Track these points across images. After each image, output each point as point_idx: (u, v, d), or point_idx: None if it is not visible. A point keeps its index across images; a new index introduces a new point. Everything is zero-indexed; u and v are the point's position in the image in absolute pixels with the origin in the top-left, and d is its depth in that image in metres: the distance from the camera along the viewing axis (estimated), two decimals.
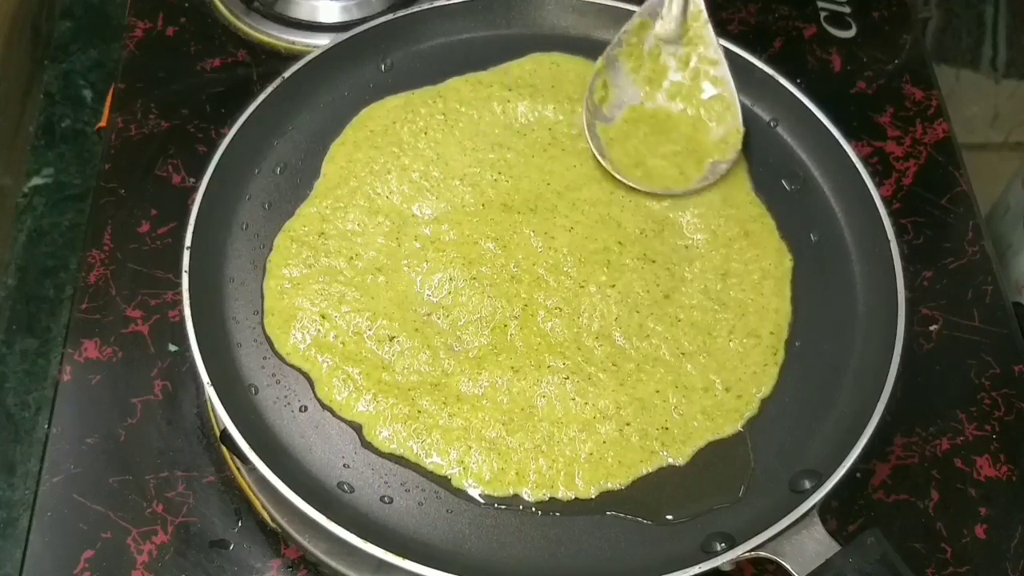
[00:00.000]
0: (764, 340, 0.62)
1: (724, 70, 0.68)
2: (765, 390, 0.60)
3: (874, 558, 0.51)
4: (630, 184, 0.66)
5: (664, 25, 0.68)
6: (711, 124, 0.68)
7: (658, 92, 0.69)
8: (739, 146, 0.67)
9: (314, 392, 0.59)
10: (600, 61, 0.69)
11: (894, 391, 0.57)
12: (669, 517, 0.56)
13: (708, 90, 0.68)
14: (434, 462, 0.57)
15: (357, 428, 0.58)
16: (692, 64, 0.68)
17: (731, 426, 0.59)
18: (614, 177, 0.68)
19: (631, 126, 0.68)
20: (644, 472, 0.57)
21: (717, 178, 0.66)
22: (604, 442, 0.58)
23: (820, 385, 0.61)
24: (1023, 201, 0.82)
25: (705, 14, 0.68)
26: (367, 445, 0.58)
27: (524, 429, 0.58)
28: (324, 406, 0.59)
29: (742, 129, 0.67)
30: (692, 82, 0.68)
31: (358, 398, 0.59)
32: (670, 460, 0.58)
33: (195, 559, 0.61)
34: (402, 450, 0.57)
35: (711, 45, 0.68)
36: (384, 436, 0.58)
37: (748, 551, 0.52)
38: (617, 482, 0.57)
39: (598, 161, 0.68)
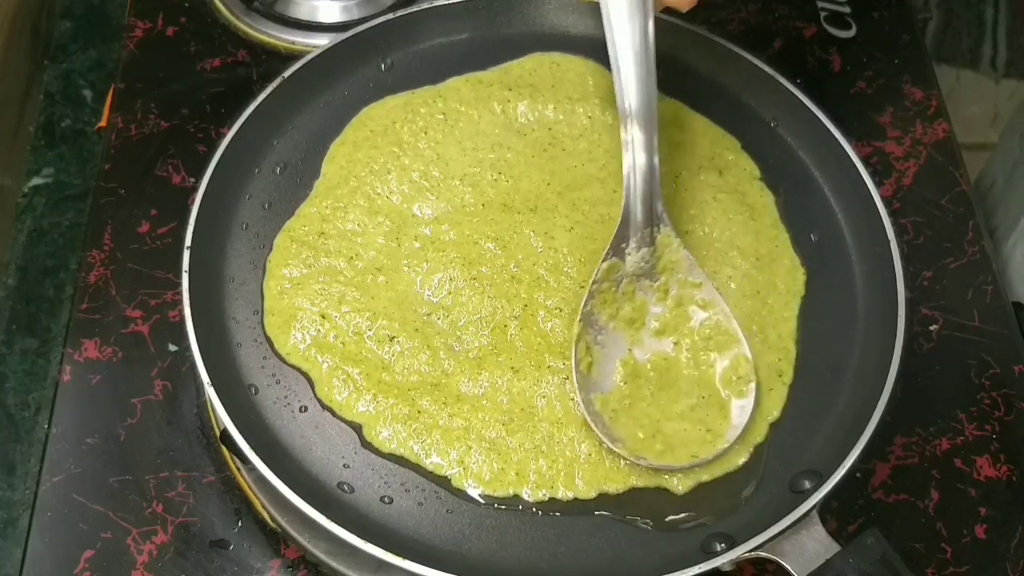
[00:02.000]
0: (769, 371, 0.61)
1: (711, 291, 0.61)
2: (775, 413, 0.60)
3: (874, 558, 0.51)
4: (654, 465, 0.56)
5: (633, 260, 0.61)
6: (712, 355, 0.60)
7: (643, 333, 0.60)
8: (752, 377, 0.58)
9: (314, 392, 0.59)
10: (576, 326, 0.59)
11: (894, 391, 0.57)
12: (669, 521, 0.56)
13: (697, 315, 0.60)
14: (434, 462, 0.57)
15: (357, 428, 0.58)
16: (672, 292, 0.61)
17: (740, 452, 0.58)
18: (615, 177, 0.68)
19: (632, 387, 0.59)
20: (640, 485, 0.57)
21: (743, 425, 0.57)
22: (602, 443, 0.58)
23: (820, 385, 0.61)
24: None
25: (675, 237, 0.61)
26: (367, 445, 0.58)
27: (524, 429, 0.58)
28: (324, 406, 0.59)
29: (750, 356, 0.59)
30: (677, 310, 0.61)
31: (358, 398, 0.59)
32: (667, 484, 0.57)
33: (195, 559, 0.61)
34: (402, 450, 0.57)
35: (691, 268, 0.61)
36: (384, 436, 0.58)
37: (748, 551, 0.52)
38: (615, 486, 0.57)
39: (598, 162, 0.68)
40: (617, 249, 0.61)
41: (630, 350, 0.60)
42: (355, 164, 0.67)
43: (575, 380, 0.58)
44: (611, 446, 0.57)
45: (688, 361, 0.59)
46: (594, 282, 0.60)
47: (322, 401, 0.59)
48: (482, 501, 0.56)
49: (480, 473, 0.57)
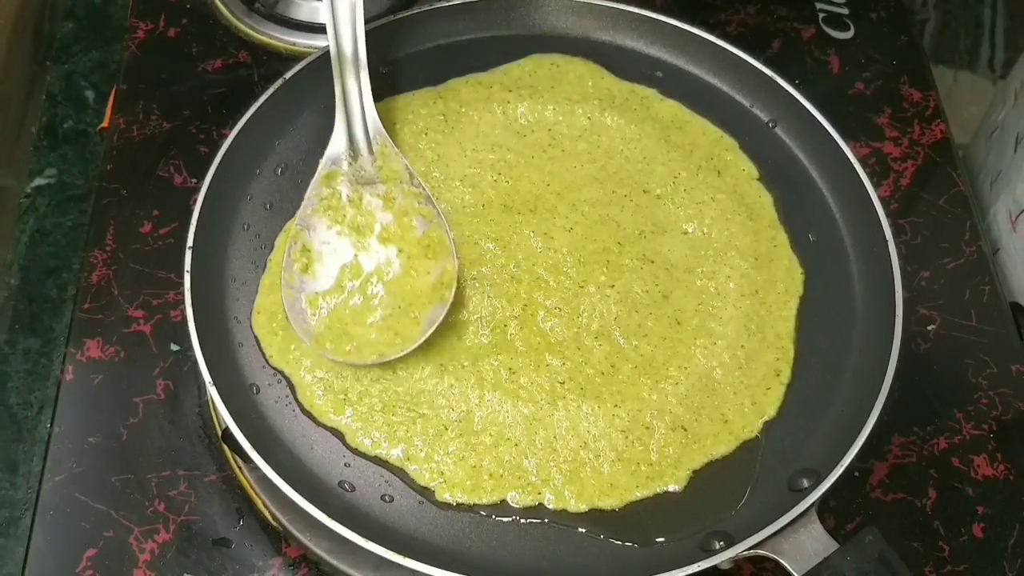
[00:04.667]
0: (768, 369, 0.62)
1: (430, 202, 0.62)
2: (771, 411, 0.60)
3: (872, 556, 0.51)
4: (340, 361, 0.58)
5: (355, 169, 0.63)
6: (429, 262, 0.61)
7: (370, 239, 0.61)
8: (454, 284, 0.60)
9: (295, 397, 0.59)
10: (293, 225, 0.62)
11: (892, 390, 0.57)
12: (660, 540, 0.56)
13: (420, 226, 0.62)
14: (414, 469, 0.57)
15: (339, 435, 0.58)
16: (398, 201, 0.62)
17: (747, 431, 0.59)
18: (614, 178, 0.68)
19: (337, 292, 0.60)
20: (639, 496, 0.57)
21: (434, 327, 0.59)
22: (598, 456, 0.58)
23: (818, 384, 0.61)
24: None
25: (393, 148, 0.64)
26: (353, 450, 0.58)
27: (524, 433, 0.58)
28: (304, 411, 0.59)
29: (456, 262, 0.61)
30: (401, 220, 0.62)
31: (340, 405, 0.59)
32: (668, 488, 0.58)
33: (197, 557, 0.62)
34: (386, 456, 0.57)
35: (411, 177, 0.63)
36: (367, 443, 0.58)
37: (747, 549, 0.52)
38: (609, 503, 0.57)
39: (597, 163, 0.69)
40: (335, 160, 0.64)
41: (356, 256, 0.61)
42: None
43: (283, 281, 0.60)
44: (304, 341, 0.58)
45: (397, 284, 0.61)
46: (312, 189, 0.63)
47: (302, 406, 0.59)
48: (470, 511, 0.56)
49: (462, 482, 0.57)
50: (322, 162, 0.64)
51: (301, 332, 0.59)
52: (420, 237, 0.62)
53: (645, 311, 0.63)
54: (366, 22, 0.67)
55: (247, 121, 0.66)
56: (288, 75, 0.68)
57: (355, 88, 0.65)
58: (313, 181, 0.63)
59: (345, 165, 0.64)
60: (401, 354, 0.58)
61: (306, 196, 0.63)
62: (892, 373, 0.58)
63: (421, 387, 0.59)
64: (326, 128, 0.68)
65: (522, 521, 0.56)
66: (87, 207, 0.83)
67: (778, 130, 0.71)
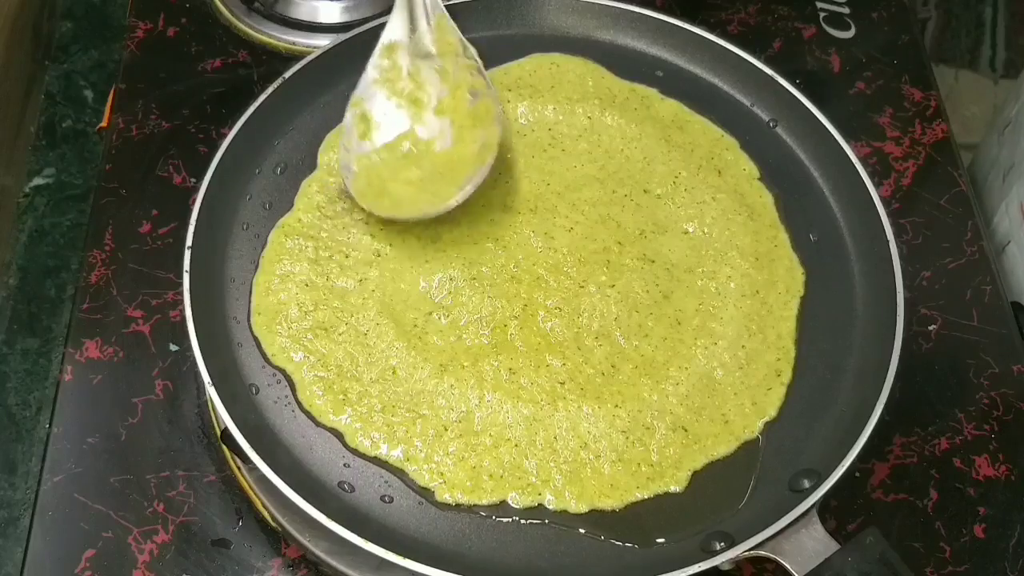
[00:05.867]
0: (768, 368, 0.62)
1: (482, 73, 0.65)
2: (772, 412, 0.60)
3: (873, 557, 0.51)
4: (381, 214, 0.62)
5: (414, 43, 0.65)
6: (477, 131, 0.64)
7: (425, 113, 0.64)
8: (496, 148, 0.63)
9: (294, 397, 0.59)
10: (355, 95, 0.65)
11: (893, 391, 0.57)
12: (660, 541, 0.56)
13: (471, 98, 0.65)
14: (414, 470, 0.57)
15: (338, 435, 0.58)
16: (452, 74, 0.65)
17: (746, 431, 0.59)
18: (614, 178, 0.68)
19: (387, 152, 0.64)
20: (640, 497, 0.57)
21: (474, 187, 0.62)
22: (599, 456, 0.58)
23: (819, 385, 0.61)
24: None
25: (449, 20, 0.66)
26: (352, 450, 0.57)
27: (524, 433, 0.58)
28: (304, 410, 0.58)
29: (499, 129, 0.64)
30: (456, 93, 0.65)
31: (339, 405, 0.58)
32: (669, 488, 0.57)
33: (196, 558, 0.62)
34: (386, 457, 0.57)
35: (465, 47, 0.65)
36: (367, 444, 0.57)
37: (748, 550, 0.52)
38: (609, 503, 0.57)
39: (597, 163, 0.69)
40: (397, 32, 0.65)
41: (412, 127, 0.64)
42: None
43: (341, 143, 0.64)
44: (348, 189, 0.63)
45: (457, 139, 0.63)
46: (373, 57, 0.65)
47: (302, 406, 0.59)
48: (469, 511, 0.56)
49: (462, 483, 0.56)
50: (383, 34, 0.65)
51: (351, 190, 0.62)
52: (471, 108, 0.64)
53: (646, 311, 0.62)
54: (366, 21, 0.67)
55: (247, 121, 0.65)
56: (288, 75, 0.68)
57: None
58: (375, 51, 0.65)
59: (405, 38, 0.65)
60: (443, 210, 0.61)
61: (368, 65, 0.65)
62: (893, 373, 0.58)
63: (421, 387, 0.59)
64: (326, 128, 0.69)
65: (522, 522, 0.56)
66: (86, 207, 0.83)
67: (779, 130, 0.71)
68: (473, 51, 0.65)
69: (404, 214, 0.62)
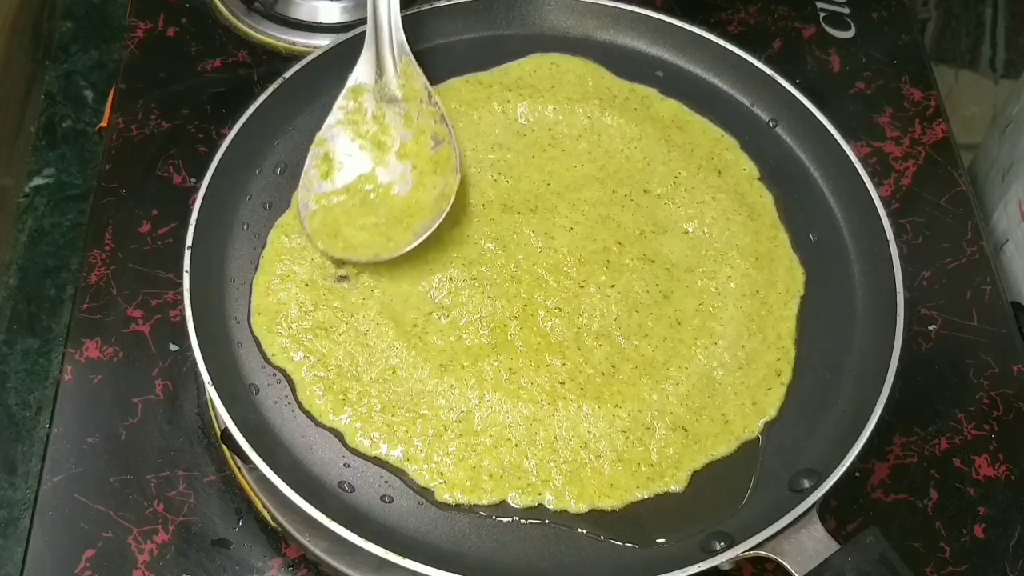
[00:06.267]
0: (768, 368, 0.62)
1: (444, 120, 0.65)
2: (772, 412, 0.60)
3: (873, 557, 0.51)
4: (334, 255, 0.62)
5: (380, 86, 0.66)
6: (436, 177, 0.64)
7: (388, 156, 0.65)
8: (453, 196, 0.63)
9: (294, 396, 0.59)
10: (319, 135, 0.65)
11: (893, 391, 0.57)
12: (661, 541, 0.56)
13: (434, 144, 0.65)
14: (414, 471, 0.57)
15: (338, 435, 0.58)
16: (417, 120, 0.66)
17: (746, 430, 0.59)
18: (614, 178, 0.68)
19: (346, 194, 0.64)
20: (640, 497, 0.57)
21: (427, 234, 0.62)
22: (599, 456, 0.58)
23: (819, 385, 0.61)
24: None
25: (416, 66, 0.67)
26: (352, 450, 0.57)
27: (524, 433, 0.58)
28: (304, 410, 0.58)
29: (458, 177, 0.63)
30: (419, 138, 0.65)
31: (339, 405, 0.58)
32: (669, 488, 0.57)
33: (196, 558, 0.62)
34: (385, 457, 0.57)
35: (430, 96, 0.66)
36: (367, 444, 0.58)
37: (748, 550, 0.52)
38: (609, 503, 0.57)
39: (597, 163, 0.69)
40: (364, 75, 0.67)
41: (374, 168, 0.65)
42: None
43: (300, 184, 0.64)
44: (305, 229, 0.63)
45: (403, 202, 0.64)
46: (339, 99, 0.66)
47: (302, 405, 0.59)
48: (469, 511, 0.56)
49: (462, 483, 0.56)
50: (351, 76, 0.67)
51: (307, 227, 0.63)
52: (433, 154, 0.64)
53: (646, 311, 0.62)
54: (364, 23, 0.67)
55: (246, 121, 0.65)
56: (288, 74, 0.68)
57: (385, 7, 0.67)
58: (342, 92, 0.66)
59: (372, 82, 0.66)
60: (396, 254, 0.61)
61: (334, 107, 0.66)
62: (893, 373, 0.58)
63: (421, 387, 0.59)
64: None
65: (522, 522, 0.56)
66: (86, 207, 0.83)
67: (779, 130, 0.71)
68: (438, 99, 0.66)
69: (357, 256, 0.62)
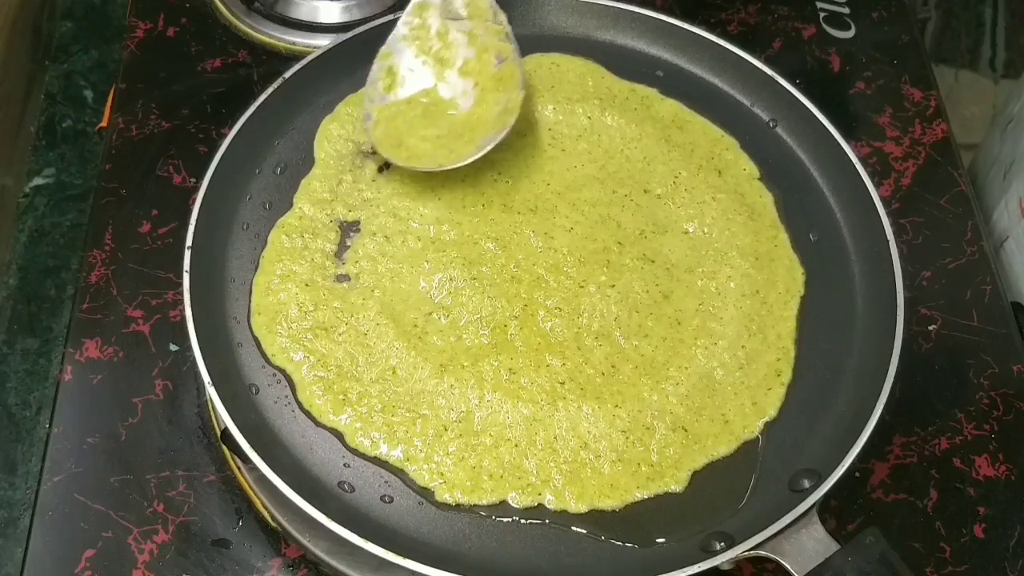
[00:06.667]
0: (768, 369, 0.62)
1: (510, 38, 0.67)
2: (772, 412, 0.60)
3: (873, 557, 0.51)
4: (398, 163, 0.64)
5: (445, 4, 0.67)
6: (499, 94, 0.66)
7: (449, 71, 0.67)
8: (517, 111, 0.65)
9: (295, 396, 0.59)
10: (383, 49, 0.67)
11: (893, 391, 0.57)
12: (661, 541, 0.56)
13: (497, 61, 0.66)
14: (414, 471, 0.57)
15: (339, 435, 0.58)
16: (480, 38, 0.67)
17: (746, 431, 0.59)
18: (614, 178, 0.68)
19: (407, 106, 0.66)
20: (640, 497, 0.57)
21: (491, 146, 0.64)
22: (599, 456, 0.58)
23: (819, 385, 0.61)
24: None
25: None
26: (352, 450, 0.57)
27: (524, 433, 0.58)
28: (304, 410, 0.58)
29: (522, 93, 0.65)
30: (482, 56, 0.67)
31: (339, 405, 0.58)
32: (669, 488, 0.57)
33: (196, 558, 0.62)
34: (385, 457, 0.57)
35: (495, 13, 0.67)
36: (367, 444, 0.57)
37: (748, 550, 0.52)
38: (609, 503, 0.57)
39: (597, 163, 0.69)
40: None
41: (436, 84, 0.66)
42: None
43: (366, 94, 0.66)
44: (368, 136, 0.65)
45: (479, 101, 0.65)
46: (406, 14, 0.67)
47: (302, 406, 0.59)
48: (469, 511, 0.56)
49: (462, 483, 0.56)
50: None
51: (371, 137, 0.65)
52: (496, 72, 0.66)
53: (646, 311, 0.62)
54: (366, 21, 0.67)
55: (246, 120, 0.65)
56: (288, 74, 0.68)
57: None
58: (407, 8, 0.67)
59: None
60: (458, 164, 0.63)
61: (398, 21, 0.67)
62: (893, 373, 0.58)
63: (421, 387, 0.59)
64: None
65: (522, 522, 0.56)
66: (86, 207, 0.83)
67: (779, 130, 0.71)
68: (503, 17, 0.67)
69: (422, 165, 0.64)
